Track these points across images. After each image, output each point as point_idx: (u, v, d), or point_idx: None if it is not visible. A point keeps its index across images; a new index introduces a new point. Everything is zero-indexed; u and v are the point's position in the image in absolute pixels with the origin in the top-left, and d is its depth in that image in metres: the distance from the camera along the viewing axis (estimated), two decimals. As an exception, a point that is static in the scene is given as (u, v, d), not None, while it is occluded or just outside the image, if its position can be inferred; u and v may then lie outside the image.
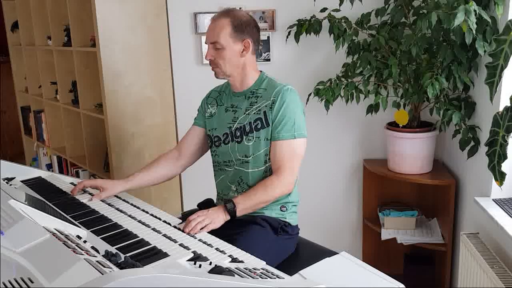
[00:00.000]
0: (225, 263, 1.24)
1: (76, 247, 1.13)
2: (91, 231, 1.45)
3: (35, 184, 1.96)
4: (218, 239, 1.45)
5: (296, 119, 1.73)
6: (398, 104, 2.46)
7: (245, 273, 1.11)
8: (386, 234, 2.56)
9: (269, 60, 2.77)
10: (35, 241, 1.12)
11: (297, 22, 2.59)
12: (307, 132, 1.77)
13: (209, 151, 1.95)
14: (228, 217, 1.64)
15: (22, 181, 1.96)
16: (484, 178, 2.07)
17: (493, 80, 1.68)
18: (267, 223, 1.74)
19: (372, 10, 2.46)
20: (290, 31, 2.65)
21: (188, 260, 1.24)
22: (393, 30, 2.34)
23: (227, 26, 1.72)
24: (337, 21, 2.47)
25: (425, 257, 2.67)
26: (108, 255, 1.18)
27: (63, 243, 1.13)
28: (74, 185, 1.89)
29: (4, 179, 1.91)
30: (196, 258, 1.27)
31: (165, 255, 1.28)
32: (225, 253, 1.33)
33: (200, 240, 1.43)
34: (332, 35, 2.49)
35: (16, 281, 0.93)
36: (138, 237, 1.42)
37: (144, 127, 2.79)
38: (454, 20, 1.81)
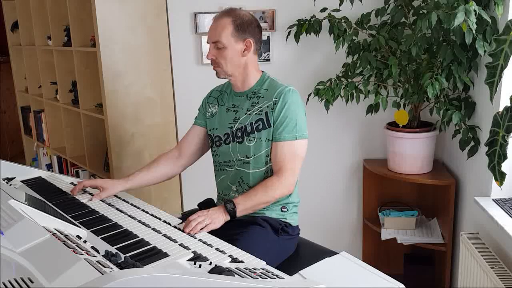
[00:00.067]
0: (225, 263, 1.24)
1: (76, 247, 1.13)
2: (91, 231, 1.45)
3: (35, 184, 1.96)
4: (218, 239, 1.45)
5: (298, 120, 1.73)
6: (398, 104, 2.46)
7: (245, 273, 1.11)
8: (386, 234, 2.56)
9: (269, 60, 2.77)
10: (35, 241, 1.12)
11: (297, 22, 2.59)
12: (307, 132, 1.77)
13: (210, 151, 1.95)
14: (228, 218, 1.64)
15: (22, 181, 1.96)
16: (484, 178, 2.07)
17: (493, 80, 1.68)
18: (267, 224, 1.74)
19: (372, 10, 2.46)
20: (290, 31, 2.65)
21: (188, 260, 1.24)
22: (393, 30, 2.34)
23: (228, 25, 1.72)
24: (337, 21, 2.47)
25: (425, 257, 2.67)
26: (108, 255, 1.18)
27: (63, 243, 1.13)
28: (74, 185, 1.88)
29: (4, 179, 1.91)
30: (196, 258, 1.27)
31: (165, 255, 1.28)
32: (225, 253, 1.33)
33: (200, 240, 1.43)
34: (332, 35, 2.49)
35: (16, 281, 0.93)
36: (138, 237, 1.41)
37: (144, 127, 2.79)
38: (454, 20, 1.81)
